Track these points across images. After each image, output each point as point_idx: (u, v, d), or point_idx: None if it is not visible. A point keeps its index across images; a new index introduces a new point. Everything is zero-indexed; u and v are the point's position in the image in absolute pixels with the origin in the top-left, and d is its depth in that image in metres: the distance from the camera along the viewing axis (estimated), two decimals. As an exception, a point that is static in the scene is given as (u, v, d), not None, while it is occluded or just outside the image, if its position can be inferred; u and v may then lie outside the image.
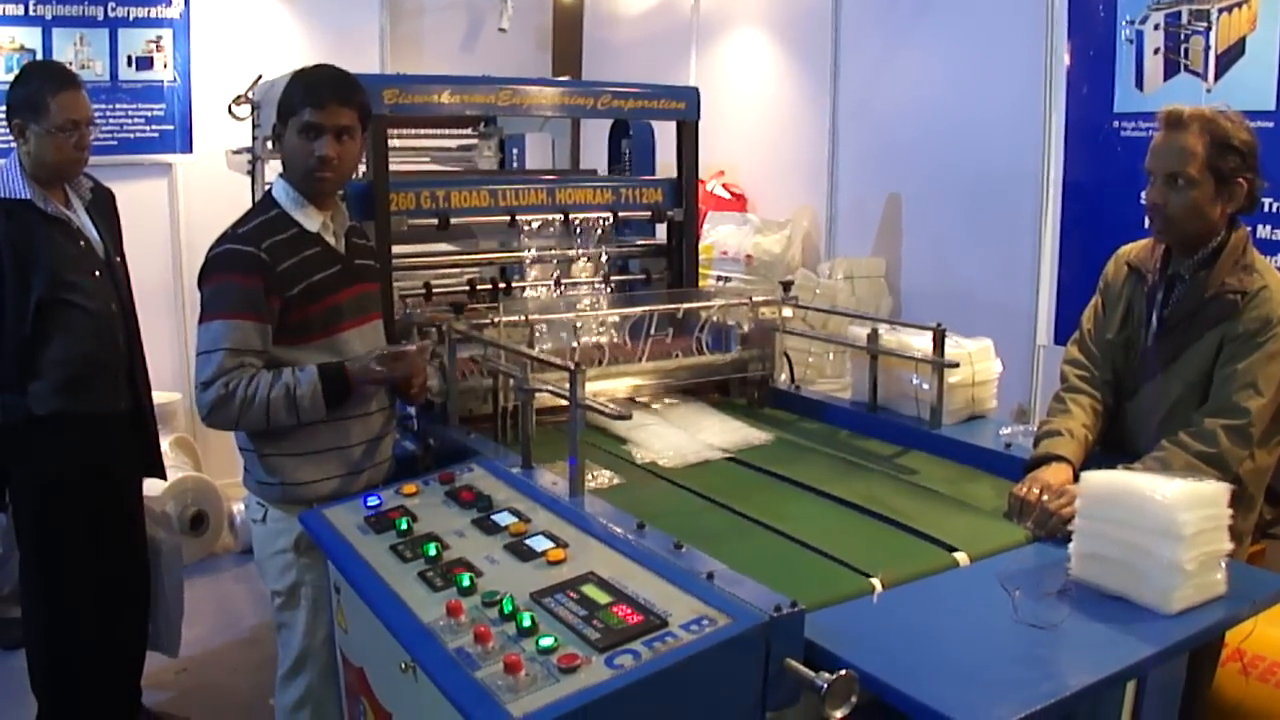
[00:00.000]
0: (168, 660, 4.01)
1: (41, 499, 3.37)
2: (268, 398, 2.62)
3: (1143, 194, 2.66)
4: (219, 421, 2.67)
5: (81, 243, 3.34)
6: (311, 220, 2.77)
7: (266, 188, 2.86)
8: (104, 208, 3.50)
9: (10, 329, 3.21)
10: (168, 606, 3.88)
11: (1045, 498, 2.45)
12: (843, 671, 1.78)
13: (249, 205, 2.91)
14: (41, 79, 3.26)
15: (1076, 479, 2.41)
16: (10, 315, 3.20)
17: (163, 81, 5.76)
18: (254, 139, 4.47)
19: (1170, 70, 4.07)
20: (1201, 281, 2.62)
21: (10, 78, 3.89)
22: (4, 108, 3.28)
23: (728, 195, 6.25)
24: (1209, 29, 3.92)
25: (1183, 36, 4.01)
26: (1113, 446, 2.75)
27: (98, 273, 3.36)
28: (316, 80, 2.72)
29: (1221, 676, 3.00)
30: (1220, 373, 2.57)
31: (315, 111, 2.67)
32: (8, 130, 3.27)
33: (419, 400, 3.00)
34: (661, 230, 4.04)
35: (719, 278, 5.56)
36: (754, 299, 3.62)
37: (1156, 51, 4.10)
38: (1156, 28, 4.09)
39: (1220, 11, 3.89)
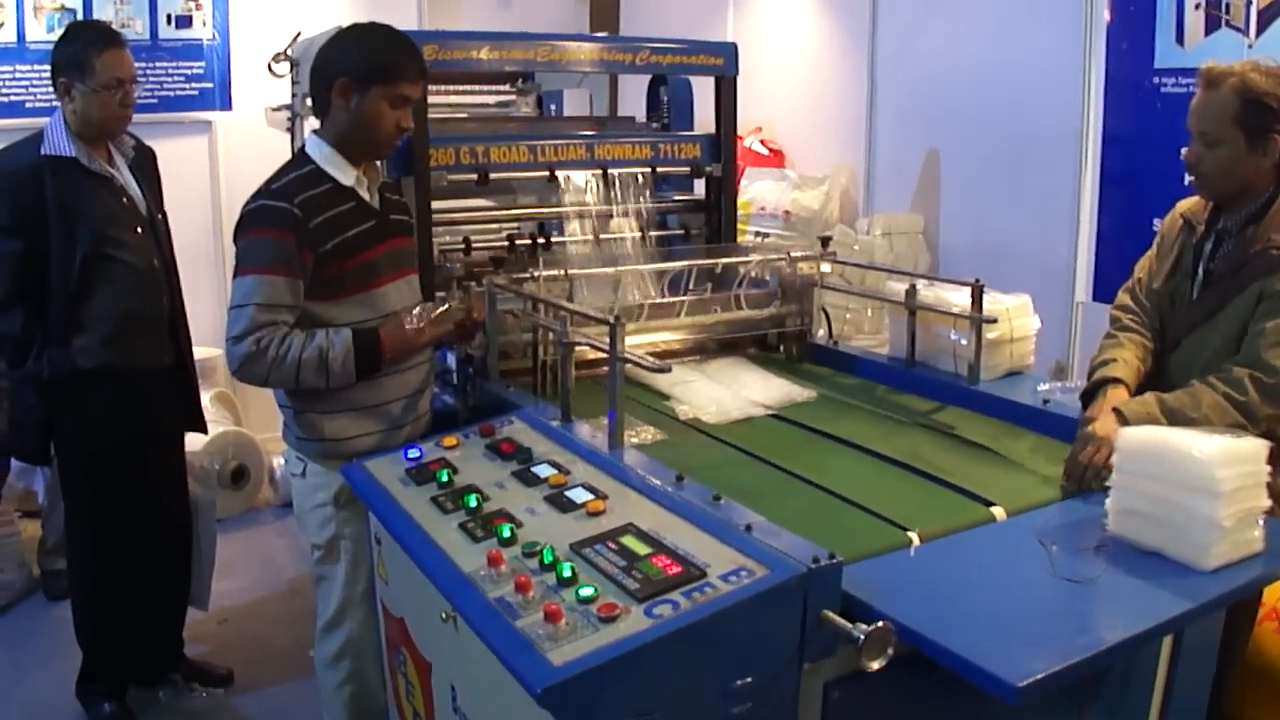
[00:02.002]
0: (209, 612, 4.08)
1: (87, 452, 3.43)
2: (299, 358, 2.63)
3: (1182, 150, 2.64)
4: (248, 376, 2.68)
5: (125, 200, 3.37)
6: (346, 175, 2.76)
7: (301, 145, 2.86)
8: (146, 165, 3.54)
9: (56, 284, 3.26)
10: (201, 562, 3.93)
11: (1085, 450, 2.44)
12: (880, 623, 1.79)
13: (287, 162, 2.93)
14: (87, 38, 3.28)
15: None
16: (56, 271, 3.25)
17: (202, 40, 5.78)
18: (293, 96, 4.47)
19: (1211, 25, 4.00)
20: (1248, 237, 2.60)
21: (52, 37, 3.93)
22: (50, 66, 3.31)
23: (766, 151, 6.22)
24: (1251, -17, 3.86)
25: (1224, -9, 3.95)
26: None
27: (140, 229, 3.40)
28: (411, 53, 2.72)
29: (1258, 635, 2.99)
30: (1253, 327, 2.55)
31: (411, 86, 2.70)
32: (52, 88, 3.30)
33: (474, 333, 3.03)
34: (700, 186, 4.04)
35: (757, 233, 5.55)
36: (792, 254, 3.61)
37: (1197, 7, 4.02)
38: (1198, -18, 4.03)
39: (1262, -34, 3.83)
